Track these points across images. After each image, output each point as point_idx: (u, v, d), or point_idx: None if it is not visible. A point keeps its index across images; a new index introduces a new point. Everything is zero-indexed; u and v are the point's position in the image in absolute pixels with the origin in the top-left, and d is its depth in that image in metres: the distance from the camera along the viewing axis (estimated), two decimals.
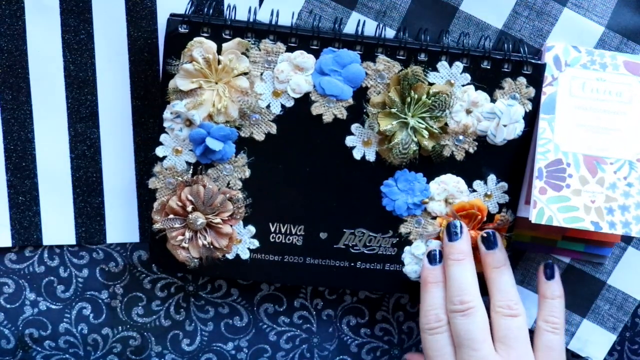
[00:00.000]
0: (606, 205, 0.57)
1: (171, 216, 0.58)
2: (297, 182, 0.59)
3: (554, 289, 0.59)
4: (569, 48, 0.58)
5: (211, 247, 0.59)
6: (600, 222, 0.57)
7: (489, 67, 0.58)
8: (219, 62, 0.56)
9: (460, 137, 0.58)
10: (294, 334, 0.65)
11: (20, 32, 0.58)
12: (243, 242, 0.60)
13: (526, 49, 0.58)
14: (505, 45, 0.58)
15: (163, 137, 0.58)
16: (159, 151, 0.58)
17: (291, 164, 0.59)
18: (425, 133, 0.57)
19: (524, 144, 0.59)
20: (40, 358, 0.63)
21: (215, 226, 0.58)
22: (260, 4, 0.59)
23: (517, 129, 0.58)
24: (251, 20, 0.57)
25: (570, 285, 0.63)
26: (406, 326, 0.65)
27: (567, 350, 0.65)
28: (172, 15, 0.57)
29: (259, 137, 0.58)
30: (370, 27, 0.59)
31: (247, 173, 0.59)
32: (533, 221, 0.56)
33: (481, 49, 0.58)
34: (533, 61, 0.58)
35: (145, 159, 0.60)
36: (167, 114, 0.57)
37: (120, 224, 0.61)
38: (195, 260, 0.59)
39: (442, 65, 0.57)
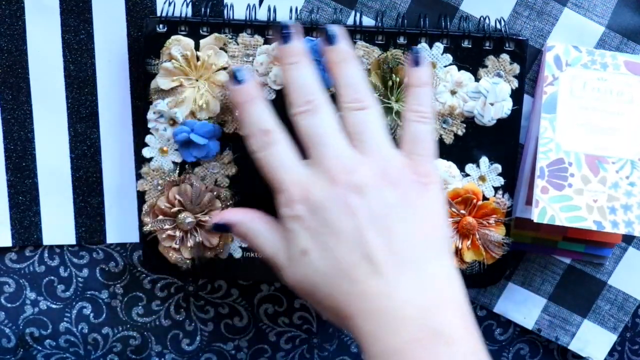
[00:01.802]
0: (608, 204, 0.57)
1: (160, 217, 0.58)
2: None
3: (419, 75, 0.53)
4: (570, 48, 0.58)
5: (202, 246, 0.58)
6: (603, 222, 0.56)
7: (470, 46, 0.57)
8: (197, 58, 0.56)
9: (448, 120, 0.58)
10: (294, 334, 0.65)
11: (20, 32, 0.58)
12: (235, 240, 0.60)
13: (507, 26, 0.58)
14: (485, 24, 0.58)
15: (148, 138, 0.58)
16: (146, 152, 0.58)
17: None
18: None
19: (514, 123, 0.58)
20: (41, 357, 0.64)
21: (205, 225, 0.58)
22: (260, 3, 0.59)
23: (504, 107, 0.58)
24: (250, 18, 0.57)
25: (570, 285, 0.63)
26: None
27: (568, 350, 0.65)
28: (149, 16, 0.57)
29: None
30: (346, 16, 0.59)
31: (234, 169, 0.59)
32: (535, 220, 0.56)
33: (461, 29, 0.58)
34: (514, 37, 0.57)
35: (145, 159, 0.60)
36: (150, 115, 0.57)
37: (120, 224, 0.61)
38: (187, 261, 0.59)
39: (422, 47, 0.57)
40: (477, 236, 0.59)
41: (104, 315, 0.63)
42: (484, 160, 0.59)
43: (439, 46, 0.57)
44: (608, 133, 0.58)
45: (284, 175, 0.50)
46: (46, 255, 0.62)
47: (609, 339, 0.64)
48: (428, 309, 0.47)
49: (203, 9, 0.57)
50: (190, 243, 0.58)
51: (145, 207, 0.58)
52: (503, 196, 0.59)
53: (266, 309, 0.64)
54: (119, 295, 0.63)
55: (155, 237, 0.59)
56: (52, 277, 0.62)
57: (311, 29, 0.57)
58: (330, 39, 0.52)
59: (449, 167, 0.59)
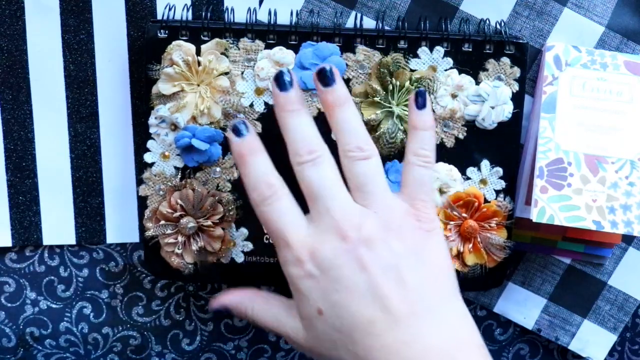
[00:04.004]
0: (608, 204, 0.57)
1: (162, 222, 0.58)
2: (287, 180, 0.57)
3: (425, 119, 0.53)
4: (569, 48, 0.58)
5: (204, 251, 0.59)
6: (602, 222, 0.56)
7: (470, 50, 0.57)
8: (199, 63, 0.56)
9: (448, 123, 0.58)
10: None
11: (20, 32, 0.58)
12: (237, 245, 0.60)
13: (507, 28, 0.58)
14: (486, 27, 0.58)
15: (150, 144, 0.58)
16: (147, 157, 0.58)
17: (279, 162, 0.57)
18: None
19: (515, 126, 0.58)
20: (41, 357, 0.64)
21: (206, 230, 0.58)
22: (260, 4, 0.59)
23: (505, 110, 0.58)
24: (251, 21, 0.57)
25: (570, 285, 0.63)
26: None
27: (568, 351, 0.65)
28: (151, 21, 0.57)
29: None
30: (346, 16, 0.59)
31: (236, 174, 0.58)
32: (534, 220, 0.56)
33: (461, 32, 0.58)
34: (515, 40, 0.57)
35: (147, 164, 0.60)
36: (152, 120, 0.57)
37: (120, 224, 0.61)
38: (190, 266, 0.59)
39: (423, 51, 0.57)
40: (479, 239, 0.59)
41: (104, 315, 0.63)
42: (485, 164, 0.59)
43: (439, 50, 0.57)
44: (607, 133, 0.57)
45: (289, 233, 0.50)
46: (46, 255, 0.62)
47: (609, 339, 0.64)
48: (449, 352, 0.48)
49: (203, 13, 0.57)
50: (193, 247, 0.58)
51: (147, 212, 0.58)
52: (504, 199, 0.59)
53: None
54: (119, 295, 0.63)
55: (158, 241, 0.59)
56: (52, 277, 0.62)
57: (311, 33, 0.57)
58: (325, 80, 0.52)
59: (450, 171, 0.59)
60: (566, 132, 0.57)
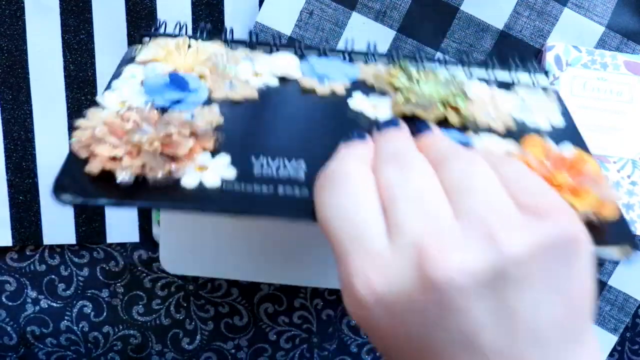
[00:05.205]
0: None
1: (104, 130, 0.39)
2: (291, 123, 0.45)
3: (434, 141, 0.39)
4: (570, 48, 0.58)
5: (160, 155, 0.38)
6: None
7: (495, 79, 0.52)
8: (189, 46, 0.48)
9: (491, 112, 0.47)
10: (294, 333, 0.65)
11: (20, 32, 0.58)
12: (211, 170, 0.39)
13: (536, 65, 0.54)
14: (511, 60, 0.53)
15: (104, 95, 0.43)
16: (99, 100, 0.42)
17: (277, 133, 0.43)
18: (455, 89, 0.46)
19: (573, 130, 0.47)
20: (42, 354, 0.64)
21: (170, 142, 0.39)
22: (260, 5, 0.59)
23: (552, 118, 0.48)
24: (252, 42, 0.52)
25: None
26: None
27: None
28: (140, 34, 0.53)
29: (237, 97, 0.45)
30: (346, 16, 0.58)
31: (220, 120, 0.43)
32: None
33: (484, 63, 0.53)
34: (540, 72, 0.53)
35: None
36: (117, 80, 0.44)
37: (120, 224, 0.62)
38: (127, 174, 0.37)
39: (437, 66, 0.51)
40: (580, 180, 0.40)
41: (105, 314, 0.64)
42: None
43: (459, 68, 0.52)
44: (609, 133, 0.57)
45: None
46: (47, 254, 0.62)
47: (609, 340, 0.64)
48: None
49: (199, 32, 0.52)
50: (145, 148, 0.38)
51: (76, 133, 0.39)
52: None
53: (266, 308, 0.64)
54: (120, 294, 0.63)
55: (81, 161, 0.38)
56: (53, 276, 0.63)
57: (316, 50, 0.52)
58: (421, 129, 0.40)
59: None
60: None
